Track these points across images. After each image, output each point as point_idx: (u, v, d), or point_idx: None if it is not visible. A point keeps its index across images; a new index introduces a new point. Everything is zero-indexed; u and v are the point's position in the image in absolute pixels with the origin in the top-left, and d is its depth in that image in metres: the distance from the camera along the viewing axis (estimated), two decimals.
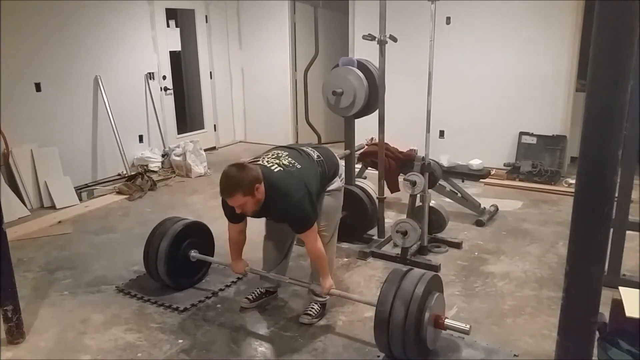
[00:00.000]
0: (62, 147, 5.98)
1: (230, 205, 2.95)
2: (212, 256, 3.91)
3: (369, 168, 5.50)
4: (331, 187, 3.32)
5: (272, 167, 3.03)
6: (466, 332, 2.86)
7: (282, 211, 3.03)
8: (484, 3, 6.61)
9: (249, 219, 3.25)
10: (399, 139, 5.93)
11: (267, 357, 3.07)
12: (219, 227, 4.42)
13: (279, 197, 2.97)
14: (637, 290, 2.50)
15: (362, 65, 4.30)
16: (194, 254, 3.74)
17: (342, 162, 4.56)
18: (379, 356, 3.00)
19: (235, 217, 3.13)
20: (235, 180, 2.83)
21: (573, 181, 5.86)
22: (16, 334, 3.17)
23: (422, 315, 2.77)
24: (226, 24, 8.49)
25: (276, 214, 3.11)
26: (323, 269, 3.20)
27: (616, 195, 3.08)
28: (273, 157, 3.14)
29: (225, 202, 3.03)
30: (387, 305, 2.79)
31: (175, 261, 3.66)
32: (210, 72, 8.34)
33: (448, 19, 6.73)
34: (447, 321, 2.89)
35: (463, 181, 5.58)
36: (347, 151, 4.55)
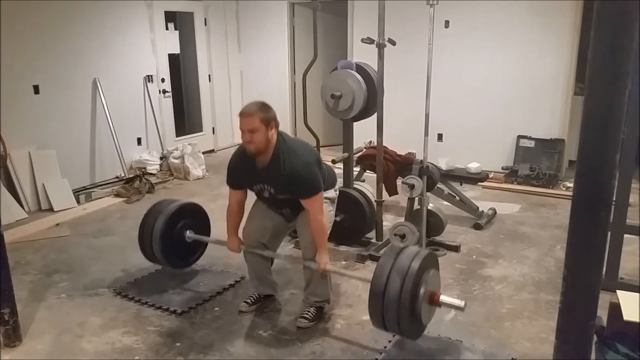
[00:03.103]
0: (60, 150, 5.98)
1: (243, 127, 2.98)
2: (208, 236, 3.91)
3: (367, 171, 5.50)
4: (326, 195, 3.34)
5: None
6: (461, 309, 2.87)
7: (291, 172, 3.02)
8: (482, 7, 6.63)
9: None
10: (398, 142, 5.93)
11: None
12: (218, 230, 4.42)
13: (290, 154, 3.03)
14: (635, 293, 2.50)
15: (360, 69, 4.31)
16: (189, 234, 3.72)
17: (340, 165, 4.58)
18: (376, 359, 2.99)
19: (236, 182, 3.26)
20: (259, 105, 3.02)
21: (571, 185, 5.83)
22: (13, 336, 3.16)
23: (417, 290, 2.75)
24: (225, 26, 8.50)
25: (284, 178, 3.04)
26: (322, 242, 3.18)
27: (614, 198, 3.09)
28: None
29: (231, 165, 3.24)
30: (383, 277, 2.78)
31: (170, 241, 3.65)
32: (209, 75, 8.35)
33: (447, 22, 6.74)
34: (442, 297, 2.87)
35: (461, 184, 5.58)
36: (346, 154, 4.55)
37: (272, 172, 3.09)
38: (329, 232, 3.36)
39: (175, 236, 3.69)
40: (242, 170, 3.24)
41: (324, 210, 3.16)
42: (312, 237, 3.22)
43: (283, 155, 3.03)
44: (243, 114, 3.00)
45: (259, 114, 2.96)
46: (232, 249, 3.50)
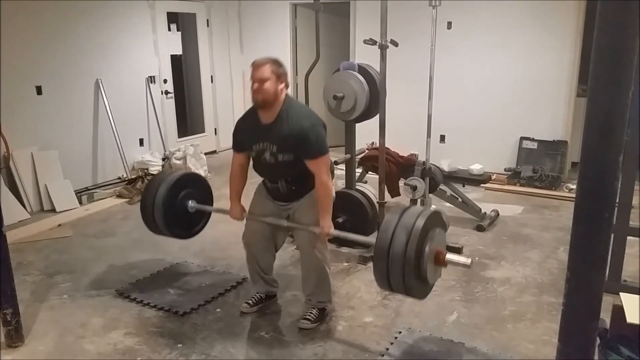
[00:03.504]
0: (62, 150, 5.99)
1: (254, 76, 2.98)
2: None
3: (370, 172, 5.49)
4: None
5: None
6: (467, 266, 2.80)
7: (298, 129, 2.98)
8: (485, 8, 6.63)
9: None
10: (400, 144, 5.93)
11: None
12: (219, 232, 4.44)
13: (297, 114, 3.03)
14: (638, 296, 2.50)
15: (363, 70, 4.31)
16: (192, 204, 3.65)
17: (342, 167, 4.58)
18: None
19: (240, 144, 3.23)
20: (272, 58, 3.03)
21: (574, 186, 5.85)
22: (15, 337, 3.16)
23: (422, 247, 2.66)
24: (227, 27, 8.50)
25: (289, 134, 3.00)
26: (327, 207, 3.12)
27: (617, 200, 3.08)
28: None
29: (237, 128, 3.26)
30: (388, 233, 2.69)
31: (173, 210, 3.57)
32: (211, 76, 8.36)
33: (449, 23, 6.74)
34: (448, 256, 2.78)
35: (464, 186, 5.57)
36: (348, 155, 4.55)
37: (277, 129, 3.04)
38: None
39: (177, 206, 3.59)
40: (247, 127, 3.19)
41: (329, 175, 3.10)
42: (311, 271, 3.26)
43: (290, 112, 3.02)
44: (255, 63, 3.01)
45: (271, 66, 2.98)
46: (235, 217, 3.41)
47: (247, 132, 3.21)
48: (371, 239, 2.94)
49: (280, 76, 3.01)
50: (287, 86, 3.06)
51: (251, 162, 3.29)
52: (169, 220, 3.58)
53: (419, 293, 2.81)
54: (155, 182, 3.65)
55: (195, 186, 3.74)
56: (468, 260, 2.76)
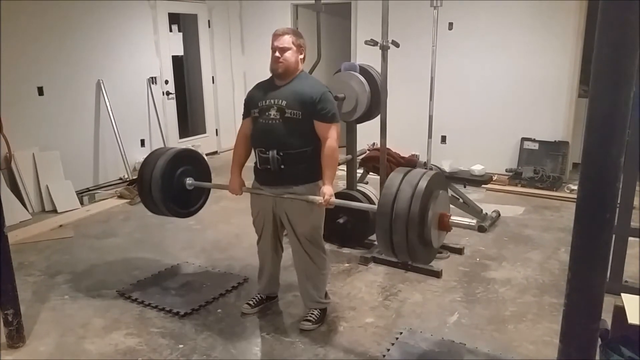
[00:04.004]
0: (64, 151, 5.99)
1: (275, 44, 3.04)
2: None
3: (371, 173, 5.49)
4: None
5: None
6: (473, 228, 2.78)
7: (316, 91, 3.02)
8: (486, 9, 6.62)
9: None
10: (401, 144, 5.92)
11: None
12: (220, 232, 4.44)
13: (314, 81, 3.15)
14: (639, 297, 2.49)
15: (364, 71, 4.31)
16: (190, 181, 3.58)
17: (343, 167, 4.57)
18: None
19: (251, 103, 3.20)
20: (293, 29, 3.19)
21: (575, 187, 5.85)
22: (16, 338, 3.16)
23: (427, 205, 2.61)
24: (229, 28, 8.51)
25: (303, 93, 3.02)
26: (331, 172, 3.08)
27: (618, 201, 3.08)
28: None
29: (250, 90, 3.26)
30: (392, 189, 2.65)
31: (171, 187, 3.49)
32: (213, 77, 8.37)
33: (450, 24, 6.73)
34: (453, 218, 2.74)
35: (465, 187, 5.57)
36: (349, 156, 4.55)
37: (291, 87, 3.07)
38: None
39: (175, 182, 3.52)
40: (260, 88, 3.20)
41: (337, 140, 3.10)
42: (301, 271, 3.28)
43: (305, 80, 3.11)
44: (277, 33, 3.07)
45: (292, 36, 3.06)
46: (234, 191, 3.33)
47: (259, 92, 3.19)
48: (373, 206, 2.92)
49: (300, 47, 3.10)
50: (304, 59, 3.14)
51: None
52: (166, 195, 3.47)
53: (424, 258, 2.75)
54: (153, 156, 3.55)
55: (193, 164, 3.68)
56: (473, 221, 2.75)
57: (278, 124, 3.03)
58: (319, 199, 3.03)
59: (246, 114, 3.29)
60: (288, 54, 3.02)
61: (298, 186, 3.10)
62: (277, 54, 3.03)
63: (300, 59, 3.11)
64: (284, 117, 3.01)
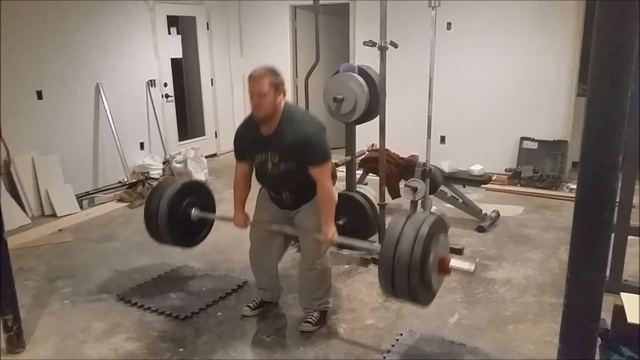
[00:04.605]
0: (63, 155, 5.99)
1: (253, 89, 2.95)
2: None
3: (370, 174, 5.50)
4: None
5: None
6: (470, 273, 2.79)
7: (301, 138, 2.96)
8: (484, 9, 6.63)
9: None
10: (400, 145, 5.93)
11: None
12: (219, 235, 4.43)
13: (298, 123, 3.00)
14: (639, 296, 2.49)
15: (362, 72, 4.31)
16: (194, 212, 3.63)
17: (342, 169, 4.57)
18: None
19: (242, 153, 3.22)
20: (269, 69, 2.98)
21: (574, 186, 5.85)
22: (16, 343, 3.16)
23: (427, 252, 2.66)
24: (227, 30, 8.51)
25: (291, 144, 2.99)
26: (330, 214, 3.10)
27: (617, 200, 3.08)
28: None
29: (237, 136, 3.22)
30: (394, 236, 2.70)
31: (177, 219, 3.56)
32: (211, 79, 8.36)
33: (449, 24, 6.73)
34: (452, 262, 2.78)
35: (464, 187, 5.57)
36: (348, 157, 4.55)
37: (278, 139, 3.03)
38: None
39: (181, 215, 3.58)
40: (248, 137, 3.18)
41: (331, 179, 3.10)
42: (312, 241, 3.21)
43: (290, 121, 3.00)
44: (253, 77, 2.96)
45: (269, 77, 2.93)
46: (239, 225, 3.39)
47: (248, 143, 3.20)
48: (376, 245, 2.94)
49: (279, 87, 2.96)
50: (284, 94, 3.02)
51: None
52: (173, 229, 3.58)
53: (424, 300, 2.81)
54: (158, 191, 3.65)
55: (198, 194, 3.75)
56: (472, 267, 2.77)
57: (280, 175, 3.10)
58: (322, 237, 3.12)
59: (239, 157, 3.29)
60: (265, 102, 2.92)
61: (307, 203, 3.21)
62: (255, 100, 2.95)
63: (280, 99, 2.97)
64: (281, 170, 3.08)
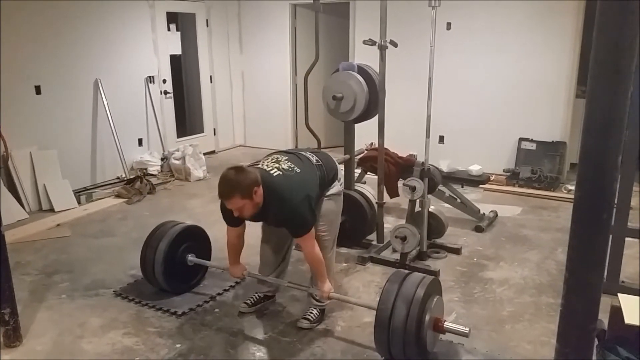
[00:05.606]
0: (61, 150, 5.98)
1: (228, 208, 2.95)
2: (209, 260, 3.89)
3: (369, 173, 5.50)
4: (331, 192, 3.31)
5: (272, 171, 3.03)
6: (465, 335, 2.86)
7: (280, 215, 3.02)
8: (484, 9, 6.63)
9: (247, 223, 3.25)
10: (399, 144, 5.93)
11: None
12: (218, 231, 4.42)
13: (278, 201, 2.96)
14: (636, 297, 2.50)
15: (362, 70, 4.31)
16: (191, 258, 3.72)
17: (341, 167, 4.58)
18: None
19: (233, 220, 3.13)
20: (233, 183, 2.83)
21: (572, 187, 5.84)
22: (13, 337, 3.16)
23: (422, 316, 2.77)
24: (227, 27, 8.51)
25: (274, 218, 3.09)
26: (321, 274, 3.18)
27: (615, 201, 3.08)
28: (272, 161, 3.14)
29: (224, 205, 3.03)
30: (388, 304, 2.79)
31: (173, 265, 3.64)
32: (211, 76, 8.36)
33: (448, 24, 6.73)
34: (447, 324, 2.89)
35: (462, 187, 5.57)
36: (347, 156, 4.55)
37: (263, 216, 3.12)
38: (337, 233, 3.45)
39: (177, 261, 3.67)
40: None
41: (315, 244, 3.11)
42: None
43: (274, 195, 2.95)
44: (222, 197, 2.90)
45: (237, 194, 2.82)
46: (236, 276, 3.51)
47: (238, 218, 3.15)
48: (372, 303, 3.00)
49: (251, 190, 2.84)
50: (259, 184, 2.88)
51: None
52: (169, 277, 3.66)
53: (419, 357, 2.86)
54: (154, 238, 3.69)
55: (194, 239, 3.83)
56: (466, 330, 2.85)
57: (279, 229, 3.28)
58: (318, 292, 3.24)
59: (230, 224, 3.23)
60: (246, 210, 2.91)
61: None
62: (235, 212, 2.94)
63: (257, 196, 2.88)
64: (278, 228, 3.27)
